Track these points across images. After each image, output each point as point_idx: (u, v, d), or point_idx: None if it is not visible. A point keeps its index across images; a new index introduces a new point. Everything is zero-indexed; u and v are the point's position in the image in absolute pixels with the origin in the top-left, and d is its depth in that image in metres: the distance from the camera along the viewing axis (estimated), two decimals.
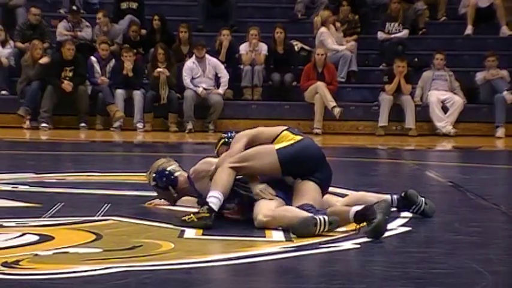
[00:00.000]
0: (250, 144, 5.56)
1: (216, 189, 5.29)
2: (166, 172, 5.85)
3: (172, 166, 5.91)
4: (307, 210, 5.17)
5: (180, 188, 5.87)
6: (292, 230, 4.99)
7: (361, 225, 5.05)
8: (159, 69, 14.23)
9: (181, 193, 5.91)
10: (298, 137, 5.57)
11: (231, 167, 5.36)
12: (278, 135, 5.60)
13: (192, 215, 5.19)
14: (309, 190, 5.40)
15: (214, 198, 5.24)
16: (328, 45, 15.11)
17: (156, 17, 15.46)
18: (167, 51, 14.48)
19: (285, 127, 5.71)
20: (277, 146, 5.48)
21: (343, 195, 6.06)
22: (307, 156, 5.48)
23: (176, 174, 5.87)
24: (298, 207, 5.27)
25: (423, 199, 5.73)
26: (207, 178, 5.58)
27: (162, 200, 6.06)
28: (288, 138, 5.55)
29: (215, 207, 5.22)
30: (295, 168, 5.44)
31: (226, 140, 5.90)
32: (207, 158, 5.83)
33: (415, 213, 5.69)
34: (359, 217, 5.05)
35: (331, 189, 5.90)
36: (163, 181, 5.85)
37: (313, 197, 5.35)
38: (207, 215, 5.17)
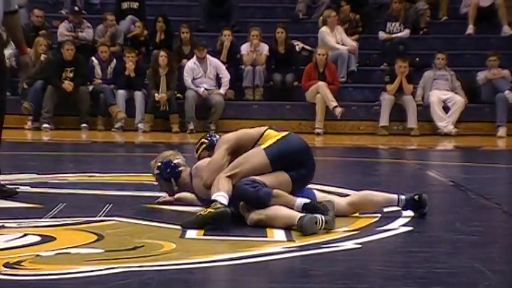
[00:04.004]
0: (233, 149, 5.59)
1: (219, 191, 5.28)
2: (172, 164, 5.90)
3: (179, 160, 5.95)
4: (247, 184, 5.25)
5: (182, 183, 5.89)
6: (300, 228, 4.98)
7: None
8: (157, 98, 14.12)
9: (182, 187, 5.93)
10: (283, 133, 5.63)
11: (227, 176, 5.38)
12: (261, 135, 5.65)
13: (207, 209, 5.15)
14: (275, 175, 5.42)
15: (221, 197, 5.23)
16: (329, 42, 15.12)
17: (160, 19, 15.46)
18: (169, 56, 14.43)
19: (267, 126, 5.78)
20: (264, 145, 5.52)
21: (345, 195, 6.06)
22: (294, 151, 5.52)
23: (181, 168, 5.90)
24: (245, 180, 5.31)
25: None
26: (200, 178, 5.63)
27: (167, 197, 6.10)
28: (272, 136, 5.60)
29: (225, 202, 5.20)
30: (284, 163, 5.47)
31: (208, 143, 5.95)
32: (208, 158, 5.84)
33: (415, 212, 5.71)
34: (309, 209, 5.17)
35: (333, 189, 5.90)
36: (167, 172, 5.89)
37: (271, 181, 5.36)
38: (222, 205, 5.15)
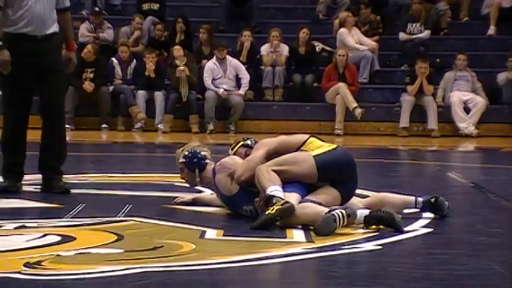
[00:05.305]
0: (272, 154, 5.56)
1: (274, 184, 5.28)
2: (199, 155, 5.89)
3: (205, 153, 5.95)
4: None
5: (205, 176, 5.87)
6: (314, 231, 4.99)
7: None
8: (180, 68, 14.23)
9: (203, 181, 5.92)
10: (333, 145, 5.60)
11: (272, 170, 5.37)
12: (304, 142, 5.63)
13: (271, 208, 5.12)
14: (326, 192, 5.42)
15: (279, 192, 5.22)
16: (348, 43, 15.10)
17: (180, 20, 15.47)
18: (184, 49, 14.48)
19: (309, 134, 5.77)
20: (314, 152, 5.49)
21: (364, 196, 6.05)
22: (343, 165, 5.51)
23: (207, 160, 5.90)
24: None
25: (447, 203, 5.72)
26: (226, 174, 5.60)
27: (184, 197, 6.11)
28: (318, 145, 5.58)
29: (284, 197, 5.20)
30: (331, 176, 5.46)
31: (244, 142, 5.92)
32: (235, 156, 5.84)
33: (435, 214, 5.70)
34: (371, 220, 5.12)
35: None
36: (193, 162, 5.88)
37: (326, 199, 5.35)
38: (285, 200, 5.14)
